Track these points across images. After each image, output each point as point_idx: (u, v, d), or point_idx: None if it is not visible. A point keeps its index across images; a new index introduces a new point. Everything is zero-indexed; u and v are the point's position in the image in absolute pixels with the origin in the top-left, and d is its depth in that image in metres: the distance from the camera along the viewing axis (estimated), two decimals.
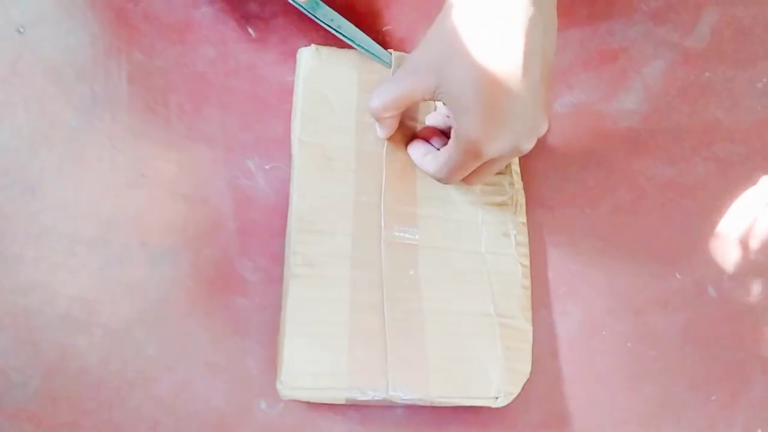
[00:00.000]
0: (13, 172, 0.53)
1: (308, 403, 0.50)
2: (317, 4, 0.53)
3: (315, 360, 0.48)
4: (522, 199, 0.54)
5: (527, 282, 0.53)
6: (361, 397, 0.47)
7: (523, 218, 0.54)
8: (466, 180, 0.50)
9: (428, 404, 0.49)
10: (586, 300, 0.54)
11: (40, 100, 0.54)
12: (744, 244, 0.56)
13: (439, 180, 0.51)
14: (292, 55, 0.57)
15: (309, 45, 0.55)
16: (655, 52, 0.60)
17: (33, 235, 0.52)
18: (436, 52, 0.46)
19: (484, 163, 0.48)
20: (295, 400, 0.49)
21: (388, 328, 0.49)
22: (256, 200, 0.54)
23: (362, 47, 0.55)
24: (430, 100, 0.48)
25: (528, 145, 0.46)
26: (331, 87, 0.54)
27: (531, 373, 0.52)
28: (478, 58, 0.43)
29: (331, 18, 0.54)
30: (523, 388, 0.52)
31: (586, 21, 0.60)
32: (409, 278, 0.51)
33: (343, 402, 0.48)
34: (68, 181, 0.53)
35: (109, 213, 0.53)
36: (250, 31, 0.58)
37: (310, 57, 0.55)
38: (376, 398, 0.48)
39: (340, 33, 0.55)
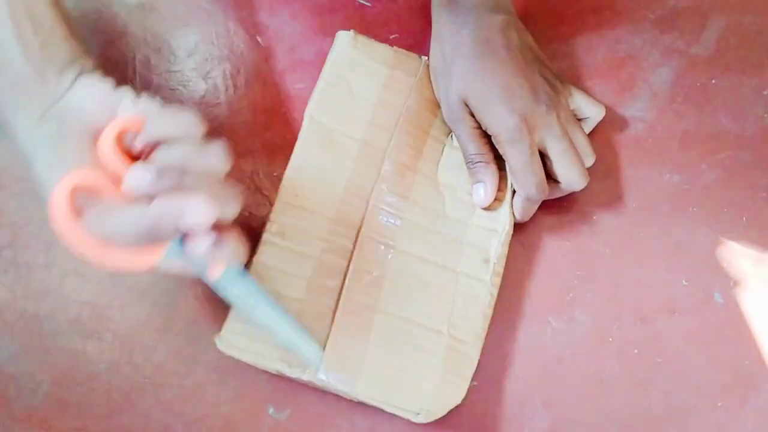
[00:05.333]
0: (25, 179, 0.53)
1: (316, 408, 0.51)
2: (235, 278, 0.45)
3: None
4: (511, 231, 0.53)
5: (490, 312, 0.52)
6: (288, 372, 0.48)
7: (506, 250, 0.53)
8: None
9: (352, 399, 0.49)
10: (592, 306, 0.54)
11: None
12: (750, 250, 0.56)
13: (539, 190, 0.52)
14: (300, 63, 0.57)
15: (319, 56, 0.56)
16: (661, 59, 0.60)
17: (44, 242, 0.52)
18: (459, 82, 0.52)
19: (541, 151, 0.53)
20: (302, 406, 0.50)
21: (337, 317, 0.50)
22: (264, 207, 0.54)
23: (282, 335, 0.47)
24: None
25: (545, 101, 0.52)
26: (356, 75, 0.54)
27: (537, 377, 0.52)
28: (483, 66, 0.52)
29: (248, 295, 0.46)
30: (529, 394, 0.52)
31: (593, 29, 0.61)
32: (373, 276, 0.51)
33: (274, 372, 0.49)
34: None
35: None
36: (259, 39, 0.58)
37: (345, 42, 0.55)
38: (302, 378, 0.48)
39: (256, 316, 0.46)
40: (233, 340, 0.49)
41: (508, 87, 0.51)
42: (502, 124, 0.51)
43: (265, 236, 0.51)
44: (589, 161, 0.54)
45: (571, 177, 0.53)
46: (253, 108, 0.57)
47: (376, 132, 0.54)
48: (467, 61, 0.52)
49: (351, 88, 0.54)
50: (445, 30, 0.54)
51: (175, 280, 0.52)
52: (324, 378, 0.48)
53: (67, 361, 0.50)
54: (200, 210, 0.37)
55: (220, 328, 0.51)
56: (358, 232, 0.52)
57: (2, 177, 0.53)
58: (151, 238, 0.38)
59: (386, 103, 0.55)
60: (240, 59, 0.58)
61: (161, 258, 0.40)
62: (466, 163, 0.54)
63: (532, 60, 0.54)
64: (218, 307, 0.52)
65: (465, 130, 0.53)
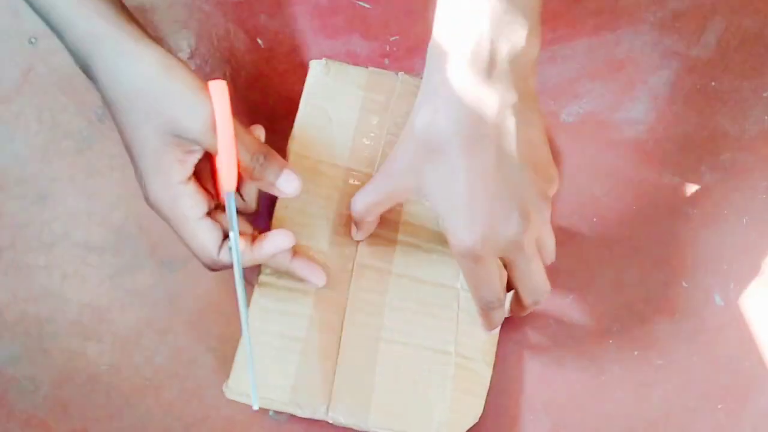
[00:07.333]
0: (26, 181, 0.53)
1: None
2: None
3: (263, 370, 0.49)
4: None
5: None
6: (299, 413, 0.48)
7: None
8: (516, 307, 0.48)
9: (365, 430, 0.49)
10: (593, 308, 0.54)
11: (52, 110, 0.55)
12: (750, 252, 0.56)
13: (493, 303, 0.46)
14: (301, 66, 0.57)
15: (320, 58, 0.56)
16: (661, 61, 0.60)
17: (45, 243, 0.52)
18: (413, 153, 0.44)
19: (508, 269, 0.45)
20: None
21: (341, 352, 0.50)
22: (264, 211, 0.54)
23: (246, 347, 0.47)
24: (414, 199, 0.50)
25: (514, 228, 0.42)
26: (333, 103, 0.54)
27: (538, 380, 0.52)
28: (454, 155, 0.42)
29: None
30: (530, 396, 0.52)
31: (593, 31, 0.61)
32: (373, 305, 0.51)
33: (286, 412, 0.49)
34: (80, 191, 0.53)
35: (119, 222, 0.53)
36: (259, 41, 0.59)
37: (318, 71, 0.55)
38: (314, 417, 0.49)
39: None
40: (241, 387, 0.49)
41: (477, 192, 0.42)
42: (457, 235, 0.43)
43: (261, 278, 0.51)
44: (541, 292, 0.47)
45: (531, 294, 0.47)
46: (254, 110, 0.57)
47: (358, 157, 0.53)
48: (445, 139, 0.42)
49: (329, 116, 0.54)
50: (429, 95, 0.43)
51: (174, 282, 0.52)
52: (334, 416, 0.49)
53: (68, 363, 0.50)
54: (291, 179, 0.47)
55: (220, 331, 0.51)
56: (354, 262, 0.52)
57: (3, 178, 0.53)
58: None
59: (365, 126, 0.54)
60: (241, 61, 0.58)
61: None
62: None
63: (522, 161, 0.42)
64: (219, 310, 0.52)
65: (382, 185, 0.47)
